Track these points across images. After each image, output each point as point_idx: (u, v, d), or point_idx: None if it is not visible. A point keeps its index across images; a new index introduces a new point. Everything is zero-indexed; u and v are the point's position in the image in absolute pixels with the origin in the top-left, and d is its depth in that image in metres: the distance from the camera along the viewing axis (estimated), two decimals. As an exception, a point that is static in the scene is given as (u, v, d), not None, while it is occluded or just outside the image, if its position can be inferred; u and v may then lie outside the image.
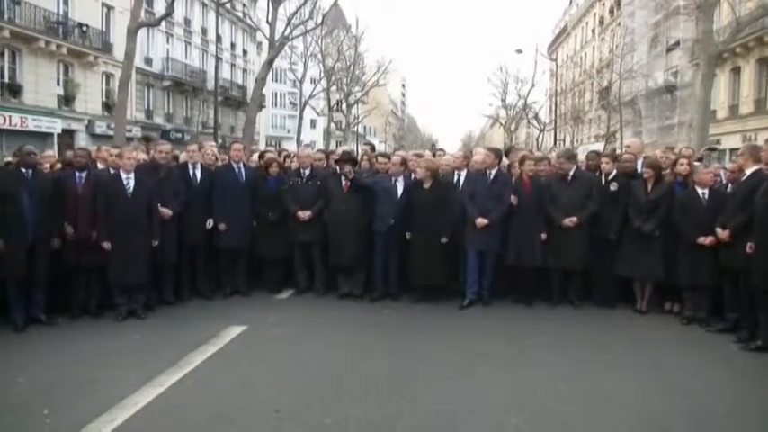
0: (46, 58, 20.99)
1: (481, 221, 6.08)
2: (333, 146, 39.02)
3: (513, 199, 6.14)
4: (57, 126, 21.18)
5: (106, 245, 5.45)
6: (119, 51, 21.78)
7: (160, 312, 5.85)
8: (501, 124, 50.81)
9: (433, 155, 7.52)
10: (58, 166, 6.39)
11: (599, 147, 27.76)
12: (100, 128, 23.45)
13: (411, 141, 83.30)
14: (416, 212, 6.14)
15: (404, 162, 6.65)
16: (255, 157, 7.81)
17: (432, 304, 6.29)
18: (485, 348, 4.91)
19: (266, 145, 39.88)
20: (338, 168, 6.60)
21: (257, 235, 6.67)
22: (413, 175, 6.89)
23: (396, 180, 6.48)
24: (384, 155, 7.29)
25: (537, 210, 6.23)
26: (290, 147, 34.46)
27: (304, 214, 6.48)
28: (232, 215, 6.43)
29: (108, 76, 24.78)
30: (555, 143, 34.46)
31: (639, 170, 6.33)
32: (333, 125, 40.30)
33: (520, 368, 4.45)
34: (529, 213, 6.19)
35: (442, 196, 6.13)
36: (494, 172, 6.26)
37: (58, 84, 22.10)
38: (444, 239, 6.02)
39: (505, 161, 6.87)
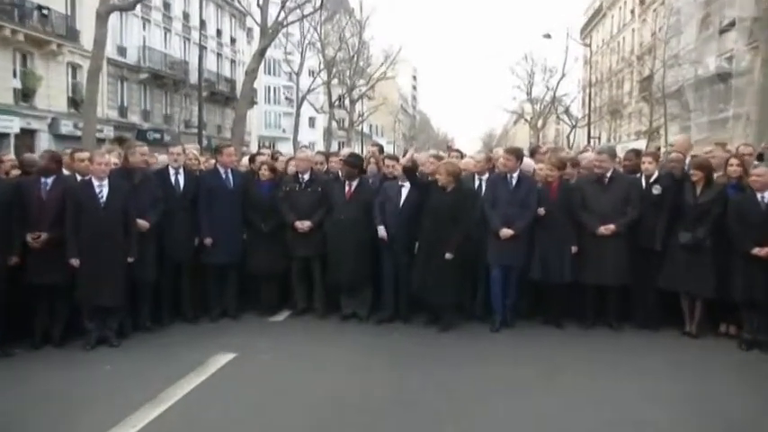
0: (-1, 45, 20.56)
1: (506, 232, 6.12)
2: (334, 147, 39.27)
3: (540, 211, 6.19)
4: (14, 125, 20.88)
5: (74, 261, 5.48)
6: (87, 39, 21.68)
7: (136, 339, 5.90)
8: (526, 120, 50.86)
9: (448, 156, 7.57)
10: (15, 171, 6.24)
11: (640, 145, 27.71)
12: (65, 127, 23.37)
13: (423, 141, 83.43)
14: (434, 220, 6.17)
15: (414, 164, 6.71)
16: (246, 160, 7.90)
17: (447, 326, 6.31)
18: (508, 376, 4.93)
19: (259, 146, 40.17)
20: (341, 172, 6.66)
21: (249, 249, 6.73)
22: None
23: (402, 186, 6.52)
24: (392, 157, 7.37)
25: (567, 217, 6.26)
26: (286, 148, 34.78)
27: (303, 225, 6.54)
28: (219, 227, 6.50)
29: (74, 68, 24.88)
30: (589, 141, 34.41)
31: (687, 171, 6.32)
32: (334, 123, 40.51)
33: (546, 398, 4.47)
34: (557, 221, 6.23)
35: (464, 204, 6.17)
36: (516, 175, 6.32)
37: (15, 76, 21.79)
38: (449, 255, 6.04)
39: (531, 163, 6.91)
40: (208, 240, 6.46)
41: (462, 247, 6.11)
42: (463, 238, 6.11)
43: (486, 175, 6.68)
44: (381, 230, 6.42)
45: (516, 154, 6.45)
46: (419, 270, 6.21)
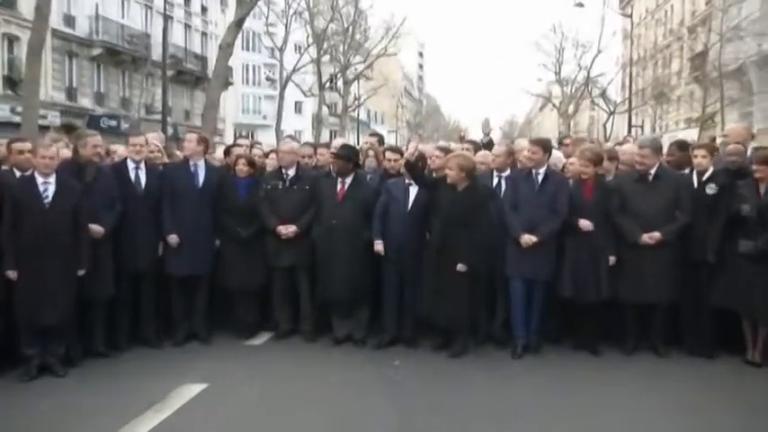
0: None
1: (528, 239, 6.14)
2: (325, 137, 39.36)
3: (586, 225, 6.20)
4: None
5: (11, 274, 5.48)
6: (26, 6, 21.84)
7: (87, 368, 5.90)
8: (554, 106, 51.02)
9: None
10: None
11: (691, 135, 27.68)
12: (1, 111, 23.57)
13: (432, 130, 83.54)
14: (443, 225, 6.19)
15: (422, 158, 6.74)
16: (220, 152, 7.93)
17: (460, 352, 6.32)
18: (532, 413, 4.94)
19: (235, 136, 40.15)
20: (333, 167, 6.71)
21: (222, 259, 6.77)
22: (433, 174, 6.97)
23: (410, 184, 6.56)
24: (394, 149, 7.38)
25: (603, 222, 6.28)
26: (268, 138, 34.88)
27: (287, 230, 6.58)
28: (186, 232, 6.53)
29: (11, 41, 24.92)
30: (629, 130, 34.45)
31: (748, 167, 6.33)
32: (325, 109, 40.65)
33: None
34: (592, 227, 6.23)
35: (479, 205, 6.19)
36: (542, 171, 6.34)
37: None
38: (461, 267, 6.06)
39: (560, 156, 6.92)
40: (173, 238, 6.48)
41: (477, 257, 6.13)
42: (478, 247, 6.13)
43: (508, 172, 6.72)
44: (379, 245, 6.47)
45: (543, 145, 6.48)
46: (428, 285, 6.24)
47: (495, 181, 6.72)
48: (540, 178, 6.32)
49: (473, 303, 6.28)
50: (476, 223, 6.12)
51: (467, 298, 6.18)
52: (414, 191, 6.53)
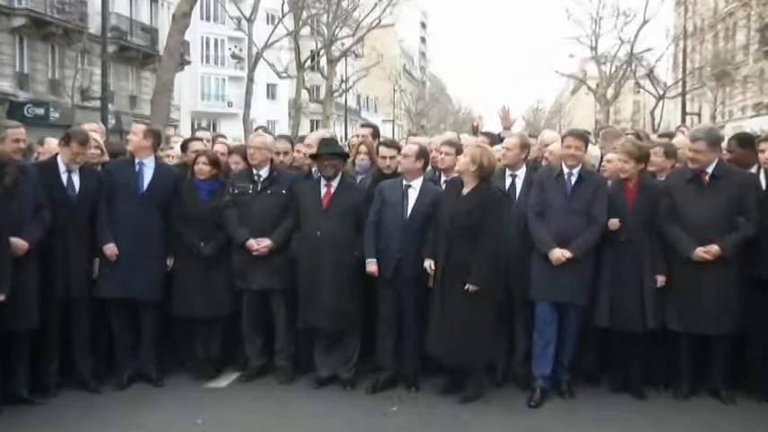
0: None
1: (560, 255, 6.18)
2: (305, 129, 39.33)
3: (614, 222, 6.26)
4: None
5: None
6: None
7: (6, 417, 5.86)
8: (589, 89, 51.11)
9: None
10: None
11: (762, 124, 27.70)
12: None
13: (437, 120, 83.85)
14: (447, 236, 6.23)
15: (423, 153, 6.80)
16: (176, 149, 7.96)
17: (473, 395, 6.33)
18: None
19: (193, 128, 39.99)
20: (318, 168, 6.77)
21: (177, 281, 6.80)
22: (441, 176, 6.99)
23: (408, 186, 6.61)
24: (391, 144, 7.41)
25: (648, 233, 6.32)
26: (234, 131, 34.86)
27: (259, 244, 6.63)
28: (126, 245, 6.56)
29: None
30: (683, 119, 34.59)
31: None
32: (305, 94, 40.62)
33: None
34: (636, 239, 6.28)
35: (490, 211, 6.22)
36: (576, 171, 6.39)
37: None
38: (471, 287, 6.08)
39: (596, 152, 6.95)
40: (109, 248, 6.50)
41: (491, 275, 6.18)
42: (491, 263, 6.17)
43: (522, 170, 6.78)
44: (371, 265, 6.52)
45: (585, 139, 6.58)
46: (433, 312, 6.27)
47: (509, 181, 6.77)
48: (573, 180, 6.37)
49: (489, 334, 6.29)
50: (488, 233, 6.15)
51: (481, 327, 6.19)
52: (413, 194, 6.60)
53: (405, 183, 6.62)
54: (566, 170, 6.41)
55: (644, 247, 6.30)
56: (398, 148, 7.11)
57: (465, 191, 6.24)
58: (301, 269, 6.61)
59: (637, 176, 6.39)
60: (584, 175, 6.41)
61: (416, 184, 6.65)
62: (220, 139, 8.50)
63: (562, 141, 6.64)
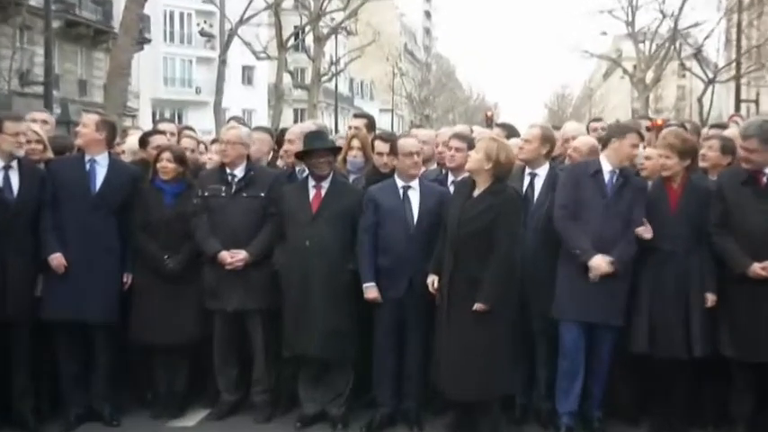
0: None
1: (603, 263, 6.21)
2: (288, 120, 39.33)
3: (645, 230, 6.25)
4: None
5: None
6: None
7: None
8: (625, 71, 51.09)
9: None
10: None
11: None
12: None
13: (445, 109, 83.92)
14: (453, 245, 6.23)
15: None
16: (130, 142, 7.96)
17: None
18: None
19: (155, 119, 39.88)
20: (308, 166, 6.76)
21: (136, 301, 6.81)
22: (448, 176, 7.02)
23: (408, 187, 6.63)
24: (387, 137, 7.42)
25: (696, 242, 6.34)
26: (204, 122, 34.83)
27: (234, 257, 6.63)
28: (78, 259, 6.55)
29: None
30: (737, 107, 34.54)
31: None
32: (287, 78, 40.63)
33: None
34: (680, 250, 6.29)
35: (506, 216, 6.22)
36: (616, 169, 6.45)
37: None
38: (480, 306, 6.05)
39: (627, 145, 6.97)
40: (56, 259, 6.47)
41: (505, 291, 6.17)
42: (506, 278, 6.16)
43: (544, 168, 6.80)
44: (372, 291, 6.50)
45: (642, 135, 6.71)
46: (440, 340, 6.28)
47: (527, 181, 6.80)
48: (614, 179, 6.41)
49: (505, 363, 6.28)
50: (501, 242, 6.14)
51: (495, 355, 6.18)
52: (414, 196, 6.61)
53: (401, 184, 6.63)
54: (606, 167, 6.44)
55: (690, 259, 6.29)
56: (393, 144, 6.99)
57: (476, 192, 6.24)
58: (287, 286, 6.62)
59: (682, 175, 6.40)
60: (627, 174, 6.46)
61: (415, 184, 6.66)
62: (187, 132, 8.50)
63: (623, 136, 6.57)
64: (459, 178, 6.77)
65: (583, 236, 6.30)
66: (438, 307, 6.33)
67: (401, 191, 6.61)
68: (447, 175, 7.17)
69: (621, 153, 6.52)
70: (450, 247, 6.21)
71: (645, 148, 7.17)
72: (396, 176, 6.70)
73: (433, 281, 6.31)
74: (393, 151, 6.86)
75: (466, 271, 6.12)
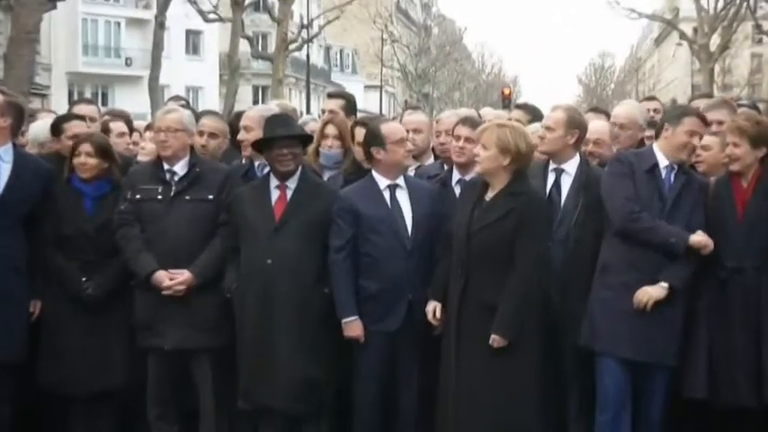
0: None
1: (650, 289, 6.22)
2: (246, 101, 39.24)
3: (698, 238, 6.23)
4: None
5: None
6: None
7: None
8: (683, 36, 51.17)
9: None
10: None
11: None
12: None
13: (449, 85, 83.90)
14: (463, 264, 6.26)
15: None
16: (40, 129, 7.95)
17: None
18: None
19: (71, 98, 39.65)
20: (268, 161, 6.77)
21: (47, 336, 6.82)
22: (452, 174, 7.07)
23: (395, 187, 6.65)
24: (368, 122, 7.42)
25: (766, 260, 6.32)
26: (135, 103, 34.73)
27: (173, 279, 6.65)
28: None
29: None
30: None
31: None
32: (245, 46, 40.63)
33: None
34: (749, 267, 6.29)
35: (526, 222, 6.23)
36: (677, 166, 6.49)
37: None
38: (498, 340, 6.07)
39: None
40: None
41: (529, 321, 6.20)
42: (529, 302, 6.20)
43: (574, 162, 6.82)
44: (354, 325, 6.49)
45: (704, 119, 6.64)
46: (445, 381, 6.30)
47: (551, 179, 6.82)
48: (672, 177, 6.46)
49: (530, 411, 6.26)
50: (523, 258, 6.16)
51: (517, 402, 6.19)
52: (405, 198, 6.64)
53: (386, 183, 6.63)
54: (663, 162, 6.46)
55: (763, 279, 6.28)
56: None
57: (489, 195, 6.27)
58: (243, 318, 6.60)
59: (754, 170, 6.39)
60: (689, 172, 6.51)
61: (401, 181, 6.70)
62: (114, 117, 8.48)
63: (679, 122, 6.53)
64: (469, 177, 6.79)
65: (665, 223, 6.27)
66: (443, 341, 6.35)
67: (387, 192, 6.62)
68: (451, 172, 7.15)
69: (674, 143, 6.50)
70: (457, 265, 6.25)
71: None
72: (374, 173, 6.66)
73: (434, 308, 6.34)
74: (376, 141, 6.74)
75: (478, 295, 6.15)
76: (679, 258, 6.24)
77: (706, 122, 6.64)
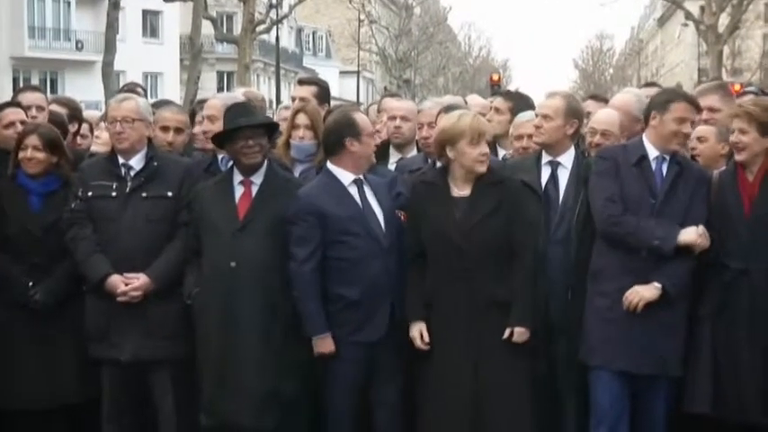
0: None
1: (642, 289, 6.25)
2: (210, 88, 39.17)
3: (686, 237, 6.23)
4: None
5: None
6: None
7: None
8: (689, 17, 51.29)
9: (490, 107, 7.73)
10: None
11: None
12: None
13: (432, 71, 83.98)
14: (465, 266, 6.31)
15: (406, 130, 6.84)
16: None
17: None
18: None
19: (16, 85, 39.55)
20: (230, 154, 6.78)
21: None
22: (436, 166, 7.07)
23: (361, 182, 6.65)
24: (339, 111, 7.45)
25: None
26: (87, 91, 34.65)
27: (129, 284, 6.63)
28: None
29: None
30: None
31: None
32: (208, 27, 40.57)
33: None
34: (756, 268, 6.29)
35: (517, 224, 6.32)
36: (668, 157, 6.50)
37: None
38: (518, 329, 6.17)
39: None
40: None
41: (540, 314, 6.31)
42: (536, 293, 6.28)
43: (569, 154, 6.88)
44: (325, 341, 6.44)
45: (695, 102, 6.64)
46: (424, 394, 6.36)
47: (546, 173, 6.85)
48: (664, 169, 6.48)
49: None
50: (526, 245, 6.28)
51: (510, 420, 6.25)
52: (371, 193, 6.65)
53: (351, 178, 6.62)
54: (652, 153, 6.48)
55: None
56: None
57: (459, 191, 6.36)
58: (205, 326, 6.60)
59: (762, 162, 6.38)
60: (684, 163, 6.51)
61: (380, 179, 6.78)
62: (62, 106, 8.47)
63: (665, 109, 6.51)
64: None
65: (651, 222, 6.28)
66: (437, 348, 6.36)
67: (353, 188, 6.61)
68: (435, 164, 7.13)
69: (663, 132, 6.50)
70: (452, 268, 6.30)
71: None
72: (334, 168, 6.63)
73: (420, 331, 6.35)
74: (352, 131, 6.69)
75: (488, 293, 6.24)
76: (675, 258, 6.24)
77: (698, 108, 6.63)
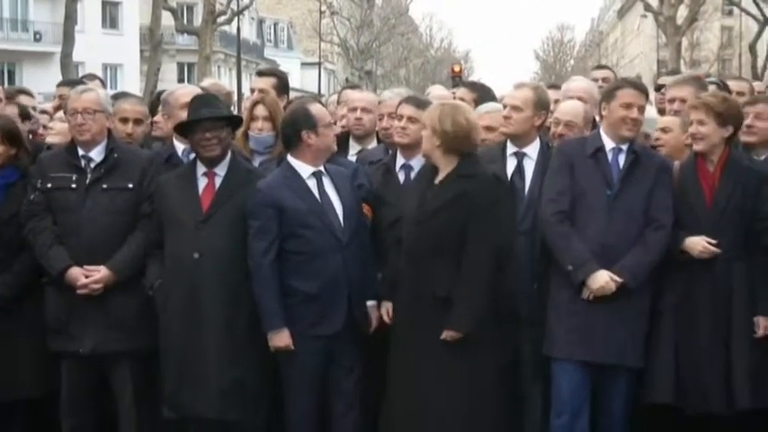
0: None
1: (608, 281, 6.26)
2: (170, 80, 38.98)
3: (598, 282, 6.24)
4: None
5: None
6: None
7: None
8: (648, 9, 51.43)
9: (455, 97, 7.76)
10: None
11: None
12: None
13: (394, 62, 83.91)
14: (411, 255, 6.31)
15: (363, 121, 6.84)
16: None
17: None
18: None
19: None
20: (192, 146, 6.74)
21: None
22: (396, 157, 7.09)
23: (321, 174, 6.63)
24: (294, 103, 7.46)
25: (740, 249, 6.40)
26: (45, 82, 34.45)
27: (89, 276, 6.60)
28: None
29: None
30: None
31: None
32: (168, 19, 40.42)
33: None
34: (718, 260, 6.32)
35: (482, 211, 6.25)
36: (624, 147, 6.51)
37: None
38: (450, 333, 6.10)
39: (653, 113, 7.07)
40: None
41: (488, 315, 6.22)
42: (487, 291, 6.21)
43: (535, 145, 6.89)
44: (281, 336, 6.39)
45: (642, 88, 6.66)
46: (395, 387, 6.34)
47: (512, 164, 6.86)
48: (621, 158, 6.48)
49: (492, 421, 6.30)
50: (477, 242, 6.18)
51: (477, 410, 6.22)
52: (330, 186, 6.61)
53: (310, 170, 6.59)
54: (608, 144, 6.49)
55: (733, 271, 6.33)
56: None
57: (438, 179, 6.31)
58: (167, 318, 6.57)
59: (721, 151, 6.42)
60: (640, 151, 6.51)
61: (323, 168, 6.69)
62: (21, 97, 8.43)
63: (612, 96, 6.60)
64: (416, 161, 6.82)
65: (579, 243, 6.29)
66: (392, 338, 6.39)
67: (312, 181, 6.58)
68: (395, 156, 7.13)
69: (612, 120, 6.54)
70: (406, 254, 6.28)
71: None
72: (293, 161, 6.61)
73: (387, 310, 6.39)
74: (308, 123, 6.63)
75: (430, 288, 6.16)
76: (641, 249, 6.26)
77: (645, 93, 6.70)
